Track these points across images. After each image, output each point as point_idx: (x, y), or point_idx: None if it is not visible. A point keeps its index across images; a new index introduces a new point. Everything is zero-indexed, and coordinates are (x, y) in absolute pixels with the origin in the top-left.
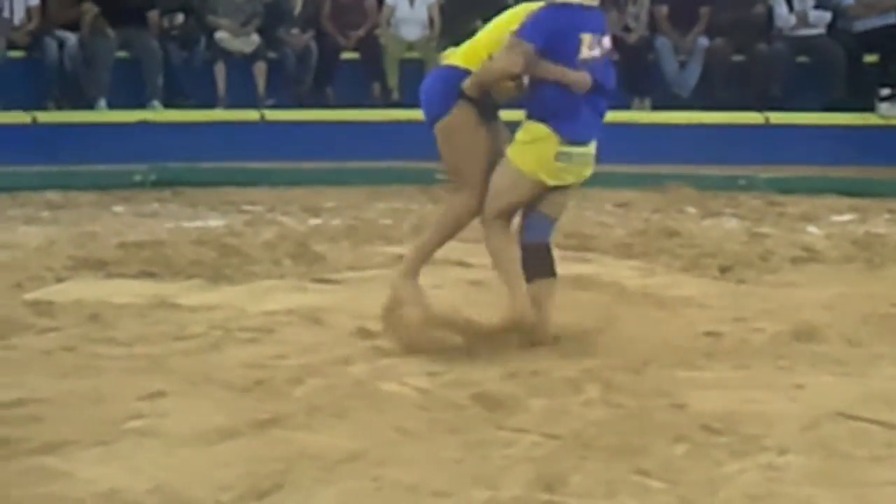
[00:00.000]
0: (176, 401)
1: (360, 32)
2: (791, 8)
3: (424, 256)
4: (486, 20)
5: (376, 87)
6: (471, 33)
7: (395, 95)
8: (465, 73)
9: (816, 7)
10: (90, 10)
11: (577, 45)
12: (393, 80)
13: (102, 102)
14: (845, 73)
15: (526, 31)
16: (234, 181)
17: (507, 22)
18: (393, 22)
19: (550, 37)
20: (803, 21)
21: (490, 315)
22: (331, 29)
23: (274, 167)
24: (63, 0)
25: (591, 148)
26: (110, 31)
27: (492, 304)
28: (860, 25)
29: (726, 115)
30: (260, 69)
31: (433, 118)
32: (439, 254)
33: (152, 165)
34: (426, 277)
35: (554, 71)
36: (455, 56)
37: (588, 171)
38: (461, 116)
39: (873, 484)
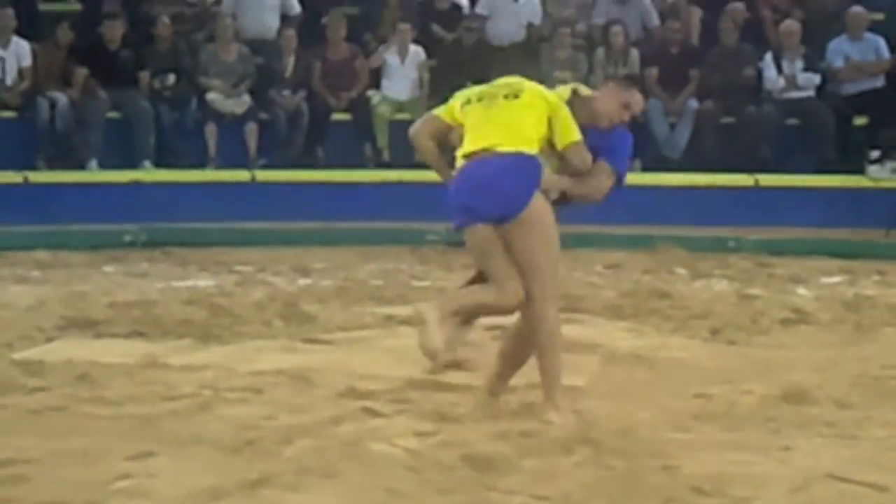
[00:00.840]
0: (165, 461)
1: (353, 94)
2: (780, 70)
3: (458, 311)
4: (476, 82)
5: (367, 148)
6: None
7: (385, 156)
8: (529, 158)
9: (805, 70)
10: (81, 71)
11: None
12: (383, 140)
13: (94, 163)
14: (835, 136)
15: (617, 158)
16: (225, 241)
17: (540, 99)
18: (383, 81)
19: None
20: (792, 84)
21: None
22: (322, 90)
23: (264, 227)
24: (55, 61)
25: None
26: (101, 92)
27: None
28: (849, 88)
29: (716, 176)
30: (251, 130)
31: (514, 211)
32: None
33: (143, 225)
34: None
35: None
36: (508, 140)
37: None
38: (544, 204)
39: None
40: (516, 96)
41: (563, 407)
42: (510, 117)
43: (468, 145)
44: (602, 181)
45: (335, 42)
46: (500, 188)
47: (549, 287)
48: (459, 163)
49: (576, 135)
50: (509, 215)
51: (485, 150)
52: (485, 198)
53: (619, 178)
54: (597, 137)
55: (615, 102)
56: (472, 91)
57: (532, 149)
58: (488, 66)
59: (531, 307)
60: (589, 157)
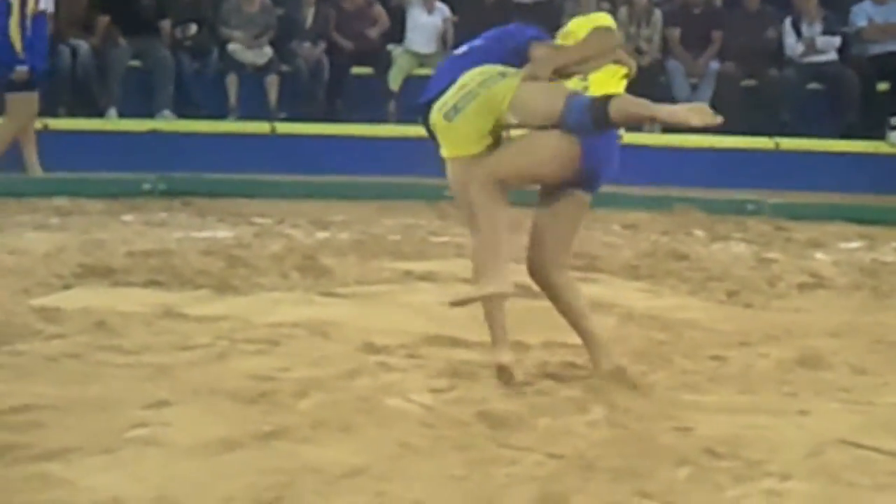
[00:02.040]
0: (180, 411)
1: (371, 34)
2: (799, 35)
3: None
4: None
5: (391, 103)
6: None
7: (392, 108)
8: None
9: (824, 33)
10: (103, 19)
11: None
12: (395, 84)
13: (113, 111)
14: (858, 101)
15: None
16: (244, 193)
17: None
18: (408, 34)
19: None
20: (812, 48)
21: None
22: (339, 38)
23: (283, 180)
24: (77, 8)
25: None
26: (123, 41)
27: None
28: (874, 49)
29: (736, 139)
30: (272, 82)
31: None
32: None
33: (162, 175)
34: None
35: None
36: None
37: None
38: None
39: None
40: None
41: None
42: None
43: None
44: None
45: None
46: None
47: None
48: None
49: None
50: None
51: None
52: (608, 167)
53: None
54: None
55: None
56: None
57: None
58: (509, 21)
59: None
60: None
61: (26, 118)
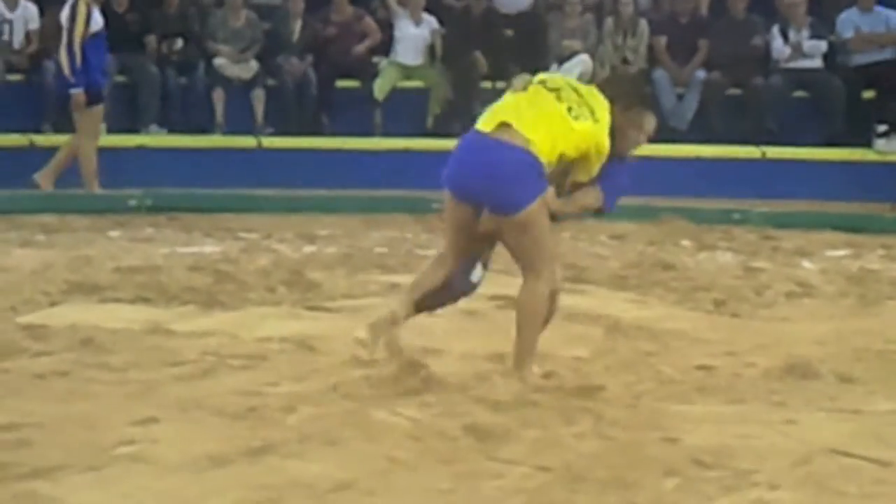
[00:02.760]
0: (168, 427)
1: (360, 49)
2: (786, 39)
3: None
4: (486, 51)
5: (377, 116)
6: (470, 65)
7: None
8: (541, 165)
9: (812, 37)
10: None
11: None
12: (380, 94)
13: (102, 126)
14: (843, 109)
15: (610, 186)
16: (230, 207)
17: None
18: (395, 46)
19: None
20: (798, 51)
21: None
22: (328, 52)
23: (270, 194)
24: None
25: None
26: (108, 56)
27: (484, 332)
28: (859, 59)
29: (723, 148)
30: (258, 96)
31: (514, 205)
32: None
33: (148, 190)
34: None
35: None
36: (534, 138)
37: None
38: (543, 210)
39: None
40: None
41: (528, 378)
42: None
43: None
44: (587, 201)
45: (340, 5)
46: (503, 178)
47: (542, 273)
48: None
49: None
50: (500, 205)
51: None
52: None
53: (604, 209)
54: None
55: (634, 130)
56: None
57: (546, 157)
58: (498, 35)
59: (524, 286)
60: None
61: (97, 132)
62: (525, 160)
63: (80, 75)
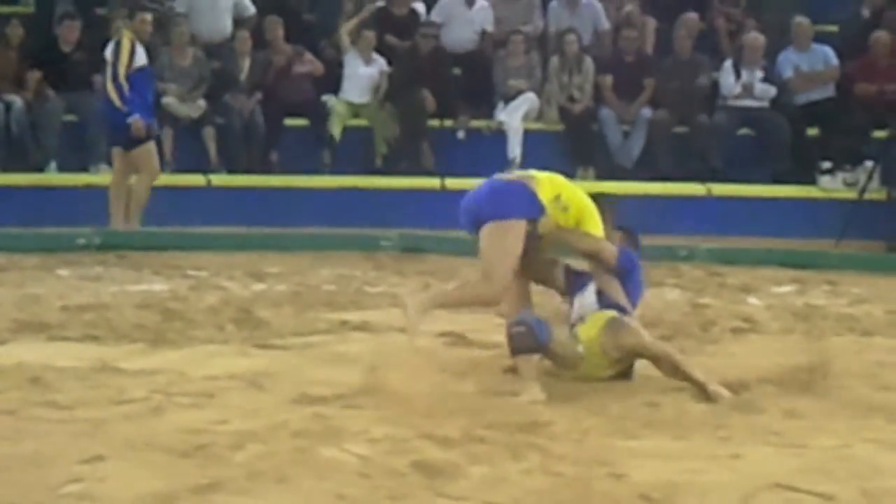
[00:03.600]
0: (115, 465)
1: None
2: (738, 76)
3: (439, 304)
4: (433, 90)
5: (326, 154)
6: (417, 104)
7: (327, 160)
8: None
9: (763, 80)
10: (33, 75)
11: None
12: (337, 133)
13: (53, 165)
14: (788, 146)
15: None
16: (179, 245)
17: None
18: (344, 83)
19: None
20: (749, 92)
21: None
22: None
23: (219, 232)
24: (7, 64)
25: None
26: (52, 94)
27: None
28: (801, 98)
29: (669, 185)
30: (209, 134)
31: (495, 214)
32: None
33: (97, 229)
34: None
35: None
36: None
37: None
38: (520, 227)
39: None
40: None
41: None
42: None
43: None
44: (608, 248)
45: (276, 44)
46: (492, 196)
47: (498, 298)
48: None
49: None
50: (482, 215)
51: None
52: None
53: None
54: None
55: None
56: None
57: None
58: (444, 74)
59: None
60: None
61: (152, 168)
62: (523, 188)
63: (133, 104)
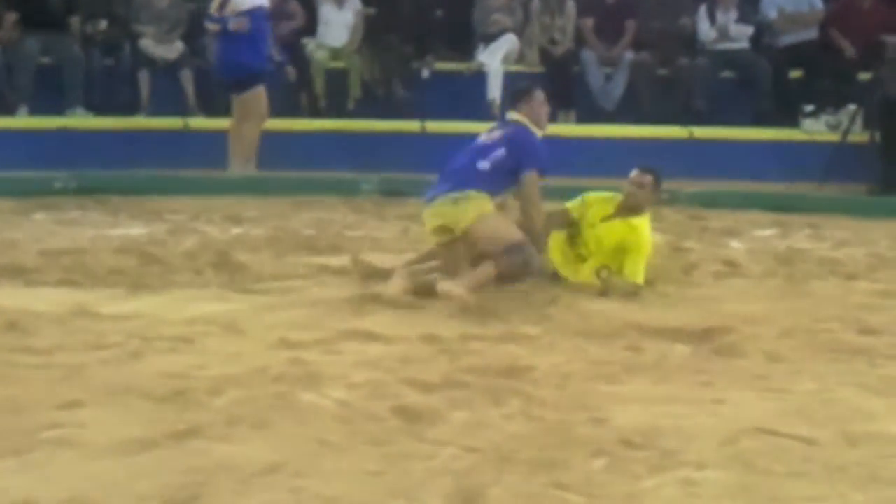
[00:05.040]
0: (93, 411)
1: (286, 30)
2: (713, 22)
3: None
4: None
5: (304, 97)
6: (394, 48)
7: (322, 103)
8: None
9: (738, 21)
10: (10, 16)
11: None
12: (320, 86)
13: (24, 109)
14: (771, 89)
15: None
16: (157, 189)
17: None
18: (319, 27)
19: None
20: (725, 35)
21: None
22: None
23: (197, 176)
24: None
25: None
26: (30, 37)
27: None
28: (785, 40)
29: (651, 128)
30: (187, 77)
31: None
32: None
33: (74, 173)
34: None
35: None
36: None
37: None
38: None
39: (790, 499)
40: None
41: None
42: None
43: None
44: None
45: None
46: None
47: None
48: None
49: None
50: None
51: None
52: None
53: None
54: None
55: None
56: None
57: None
58: (425, 15)
59: None
60: None
61: (261, 113)
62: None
63: (242, 44)
